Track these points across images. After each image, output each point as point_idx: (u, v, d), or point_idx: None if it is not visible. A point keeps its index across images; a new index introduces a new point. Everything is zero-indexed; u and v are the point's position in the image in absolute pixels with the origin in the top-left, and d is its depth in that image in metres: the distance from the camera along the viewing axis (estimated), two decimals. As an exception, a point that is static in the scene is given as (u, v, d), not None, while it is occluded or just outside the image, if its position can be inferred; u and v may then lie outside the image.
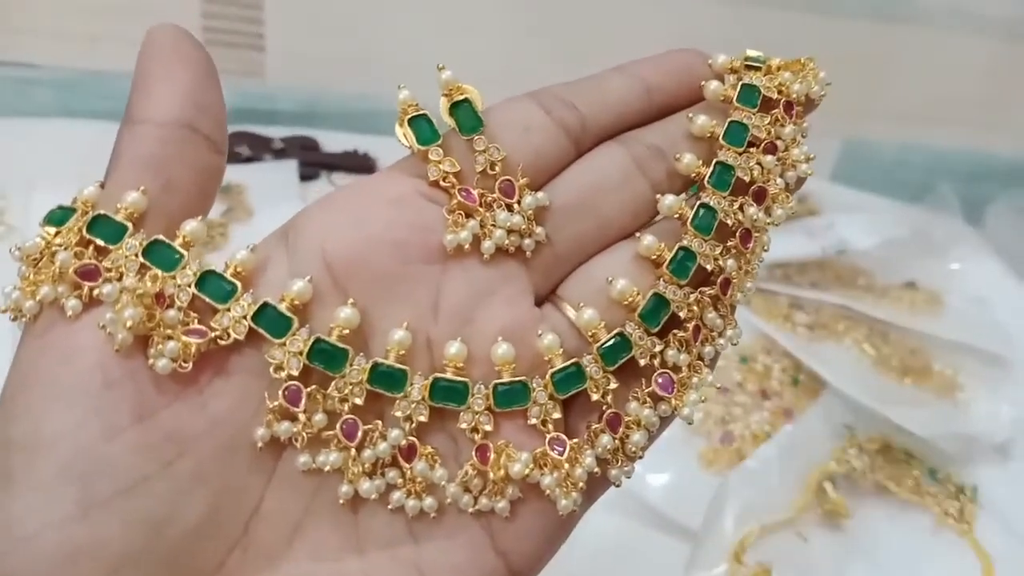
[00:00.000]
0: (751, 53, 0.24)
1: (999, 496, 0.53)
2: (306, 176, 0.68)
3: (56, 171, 0.47)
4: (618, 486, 0.22)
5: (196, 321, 0.20)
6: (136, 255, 0.20)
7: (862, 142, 0.82)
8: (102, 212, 0.20)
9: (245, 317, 0.20)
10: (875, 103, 0.80)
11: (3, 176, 0.61)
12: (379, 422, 0.21)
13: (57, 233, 0.21)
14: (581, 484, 0.21)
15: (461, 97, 0.22)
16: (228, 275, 0.20)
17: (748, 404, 0.56)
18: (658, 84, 0.23)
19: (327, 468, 0.20)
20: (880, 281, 0.68)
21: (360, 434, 0.21)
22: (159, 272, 0.20)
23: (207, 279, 0.20)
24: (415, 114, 0.22)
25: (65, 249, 0.20)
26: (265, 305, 0.20)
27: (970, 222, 0.76)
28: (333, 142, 0.70)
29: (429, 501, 0.21)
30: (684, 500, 0.49)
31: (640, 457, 0.22)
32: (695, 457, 0.53)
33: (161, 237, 0.20)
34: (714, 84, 0.23)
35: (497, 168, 0.22)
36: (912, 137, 0.82)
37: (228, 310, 0.20)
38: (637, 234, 0.22)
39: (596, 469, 0.21)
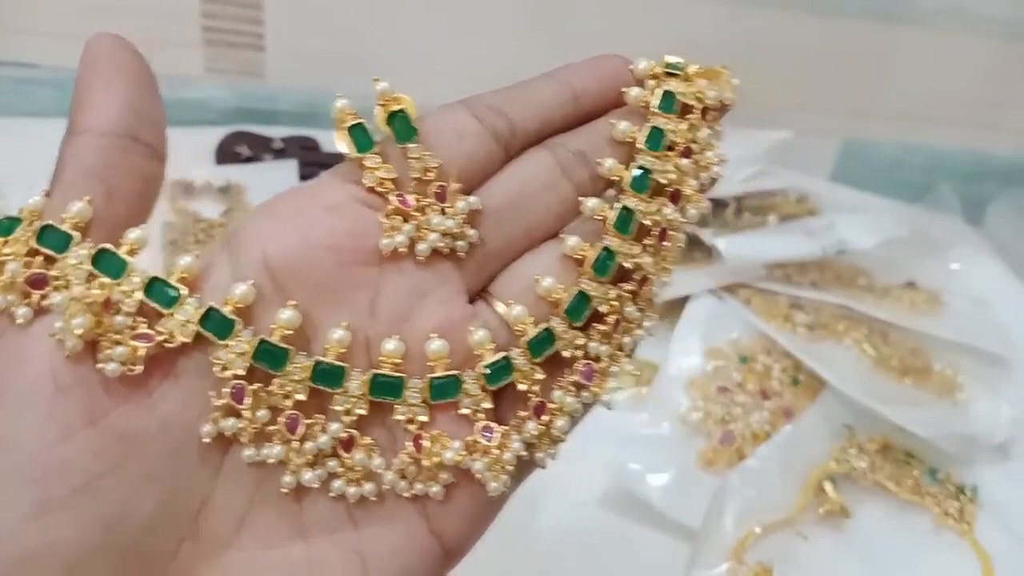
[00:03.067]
0: (670, 59, 0.25)
1: (999, 496, 0.53)
2: (306, 176, 0.68)
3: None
4: (543, 467, 0.24)
5: (144, 326, 0.21)
6: (83, 263, 0.21)
7: (862, 142, 0.82)
8: (49, 223, 0.21)
9: (191, 321, 0.21)
10: (875, 103, 0.80)
11: (3, 176, 0.61)
12: (321, 416, 0.22)
13: (5, 243, 0.21)
14: (510, 467, 0.23)
15: (397, 107, 0.23)
16: (173, 281, 0.21)
17: (748, 404, 0.56)
18: (584, 90, 0.24)
19: (271, 460, 0.22)
20: (880, 281, 0.68)
21: (302, 428, 0.22)
22: (106, 279, 0.21)
23: (153, 285, 0.21)
24: (352, 123, 0.23)
25: (14, 259, 0.21)
26: (210, 309, 0.21)
27: (970, 222, 0.76)
28: (333, 142, 0.71)
29: (369, 487, 0.22)
30: (684, 500, 0.49)
31: (563, 440, 0.24)
32: (695, 457, 0.53)
33: (107, 246, 0.21)
34: (635, 91, 0.24)
35: (431, 174, 0.23)
36: (911, 137, 0.82)
37: (174, 314, 0.21)
38: (561, 235, 0.24)
39: (524, 453, 0.23)
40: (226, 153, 0.67)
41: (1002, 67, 0.74)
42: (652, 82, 0.24)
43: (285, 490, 0.22)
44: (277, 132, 0.69)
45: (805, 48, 0.71)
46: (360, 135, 0.23)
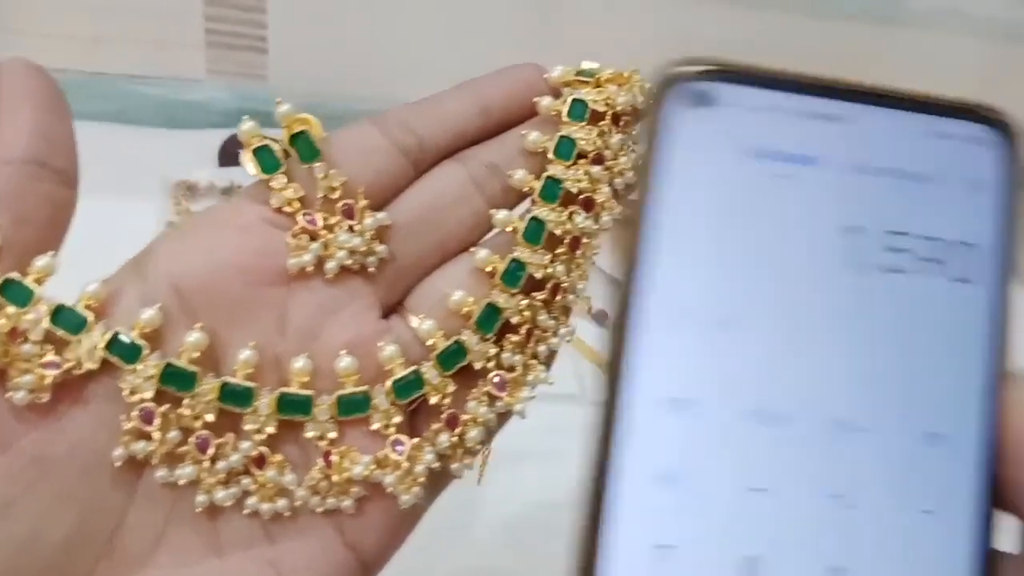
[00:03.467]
0: (585, 66, 0.25)
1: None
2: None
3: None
4: (459, 478, 0.24)
5: (52, 353, 0.21)
6: None
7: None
8: None
9: (98, 347, 0.21)
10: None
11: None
12: (232, 435, 0.22)
13: None
14: (421, 479, 0.23)
15: (299, 129, 0.23)
16: (80, 307, 0.21)
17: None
18: (496, 102, 0.24)
19: (182, 481, 0.22)
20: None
21: (213, 448, 0.22)
22: (12, 308, 0.21)
23: (60, 313, 0.21)
24: (258, 144, 0.23)
25: None
26: (116, 334, 0.21)
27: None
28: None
29: (282, 503, 0.22)
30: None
31: (478, 451, 0.24)
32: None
33: (13, 275, 0.21)
34: (546, 100, 0.24)
35: (338, 192, 0.23)
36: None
37: (81, 341, 0.21)
38: (472, 249, 0.24)
39: (436, 464, 0.23)
40: (229, 155, 0.67)
41: (999, 69, 0.74)
42: (567, 90, 0.25)
43: (199, 509, 0.22)
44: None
45: (804, 50, 0.71)
46: (266, 156, 0.23)
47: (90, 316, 0.21)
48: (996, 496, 0.22)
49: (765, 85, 0.24)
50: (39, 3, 0.62)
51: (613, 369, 0.22)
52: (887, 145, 0.23)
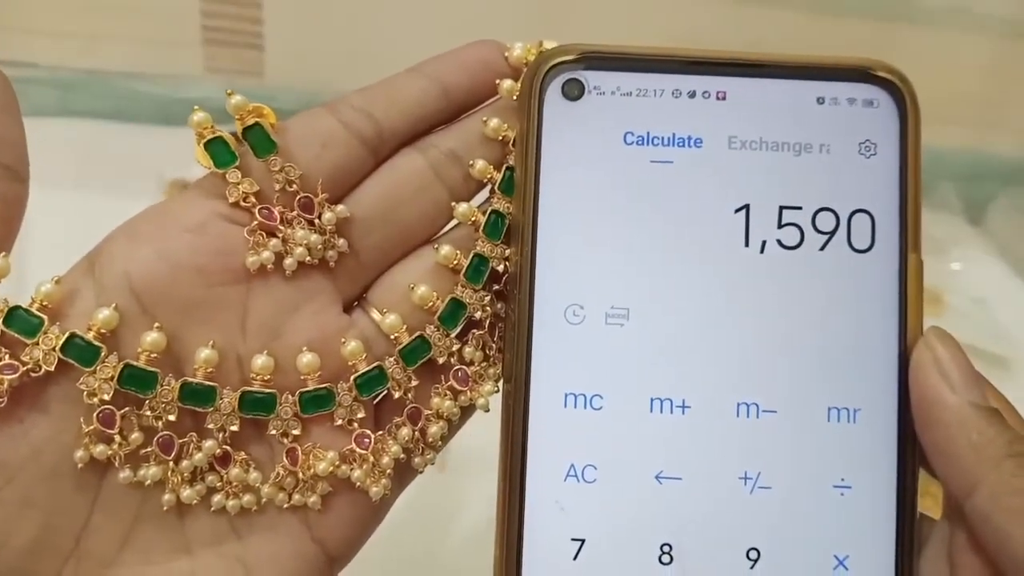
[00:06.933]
0: (548, 45, 0.24)
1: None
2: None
3: (56, 171, 0.47)
4: (421, 472, 0.24)
5: (8, 356, 0.20)
6: None
7: (863, 142, 0.82)
8: None
9: (54, 349, 0.20)
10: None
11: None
12: (194, 434, 0.22)
13: None
14: (389, 471, 0.23)
15: (252, 121, 0.22)
16: (35, 308, 0.21)
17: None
18: (455, 83, 0.24)
19: (147, 482, 0.22)
20: (881, 281, 0.68)
21: (176, 447, 0.22)
22: None
23: (13, 315, 0.20)
24: (211, 136, 0.22)
25: None
26: (72, 336, 0.21)
27: (971, 222, 0.76)
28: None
29: (248, 498, 0.22)
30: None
31: (440, 446, 0.24)
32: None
33: None
34: (508, 83, 0.24)
35: (295, 185, 0.22)
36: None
37: (37, 343, 0.20)
38: (435, 246, 0.23)
39: (402, 456, 0.23)
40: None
41: (1004, 65, 0.74)
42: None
43: (165, 508, 0.22)
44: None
45: (805, 48, 0.71)
46: (219, 149, 0.22)
47: (44, 318, 0.20)
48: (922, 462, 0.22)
49: (644, 68, 0.23)
50: (38, 1, 0.62)
51: (516, 368, 0.22)
52: (773, 117, 0.23)
